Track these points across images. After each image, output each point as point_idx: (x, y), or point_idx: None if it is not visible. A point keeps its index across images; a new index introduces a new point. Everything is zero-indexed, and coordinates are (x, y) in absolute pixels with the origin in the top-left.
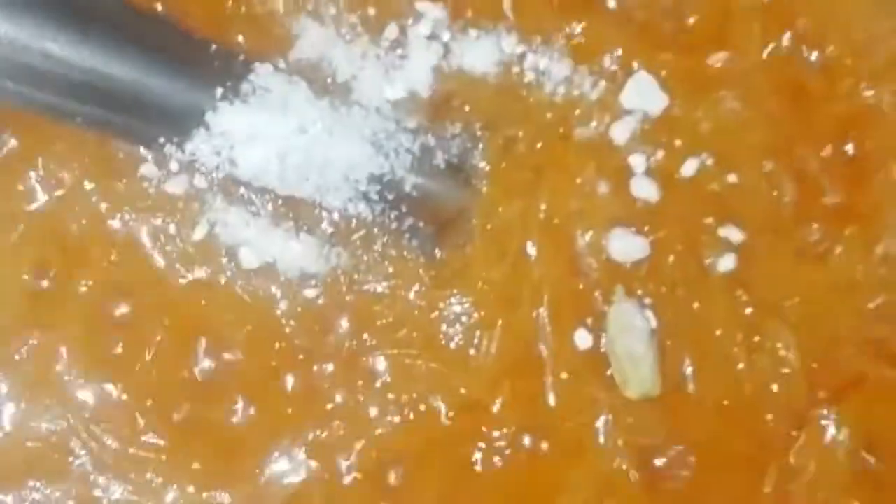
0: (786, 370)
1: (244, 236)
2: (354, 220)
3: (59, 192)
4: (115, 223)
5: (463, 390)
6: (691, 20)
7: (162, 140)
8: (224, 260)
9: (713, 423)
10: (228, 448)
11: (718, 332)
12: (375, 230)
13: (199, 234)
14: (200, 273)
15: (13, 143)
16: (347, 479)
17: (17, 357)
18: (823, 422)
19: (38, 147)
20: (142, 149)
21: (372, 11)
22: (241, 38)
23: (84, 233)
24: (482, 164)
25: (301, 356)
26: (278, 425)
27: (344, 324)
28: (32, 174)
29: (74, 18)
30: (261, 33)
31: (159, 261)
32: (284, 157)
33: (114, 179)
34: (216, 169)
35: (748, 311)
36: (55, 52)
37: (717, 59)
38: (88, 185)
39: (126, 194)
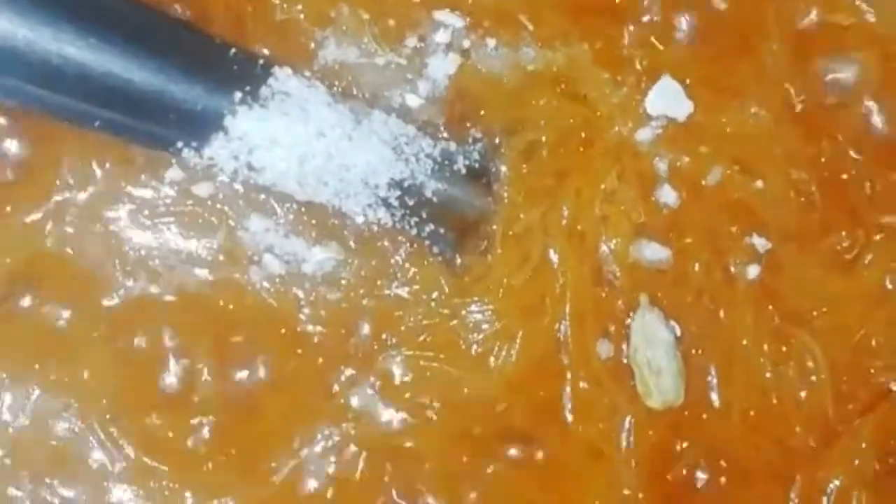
0: (813, 381)
1: (267, 241)
2: (375, 226)
3: (81, 196)
4: (136, 228)
5: (480, 396)
6: (716, 27)
7: (180, 145)
8: (247, 264)
9: (738, 435)
10: (242, 451)
11: (744, 342)
12: (396, 237)
13: (221, 239)
14: (224, 277)
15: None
16: (359, 481)
17: (36, 365)
18: (852, 435)
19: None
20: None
21: (392, 22)
22: (264, 49)
23: (105, 237)
24: (503, 170)
25: (321, 359)
26: (293, 428)
27: (365, 328)
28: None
29: (92, 21)
30: (283, 42)
31: (181, 265)
32: (303, 161)
33: (136, 185)
34: (234, 174)
35: (775, 320)
36: (73, 55)
37: (743, 66)
38: (109, 190)
39: (148, 199)
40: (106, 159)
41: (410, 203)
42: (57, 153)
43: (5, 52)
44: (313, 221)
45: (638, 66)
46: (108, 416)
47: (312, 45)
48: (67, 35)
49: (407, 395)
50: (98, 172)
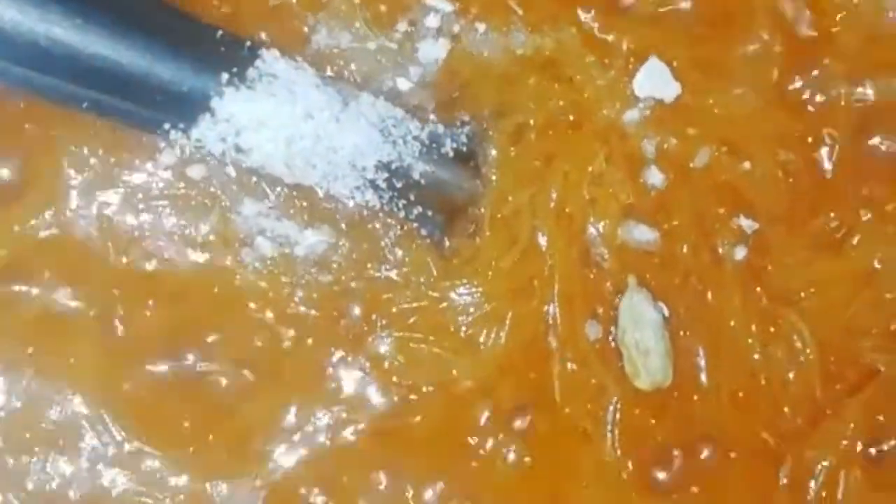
0: (802, 362)
1: (259, 224)
2: (365, 210)
3: (75, 181)
4: (128, 212)
5: (468, 377)
6: (703, 8)
7: (167, 126)
8: (239, 247)
9: (727, 415)
10: (235, 433)
11: (732, 323)
12: (386, 220)
13: (214, 221)
14: (216, 260)
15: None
16: (350, 463)
17: (30, 349)
18: (840, 415)
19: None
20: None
21: (383, 7)
22: (260, 34)
23: (98, 221)
24: (492, 153)
25: (310, 340)
26: (285, 410)
27: (355, 310)
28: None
29: (80, 2)
30: (277, 26)
31: (174, 248)
32: (291, 143)
33: (126, 167)
34: (222, 156)
35: (763, 301)
36: (59, 35)
37: (730, 47)
38: (103, 174)
39: (141, 183)
40: (99, 144)
41: (398, 185)
42: (49, 139)
43: None
44: (304, 204)
45: (625, 48)
46: (100, 400)
47: (305, 29)
48: (55, 16)
49: (396, 378)
50: (91, 158)
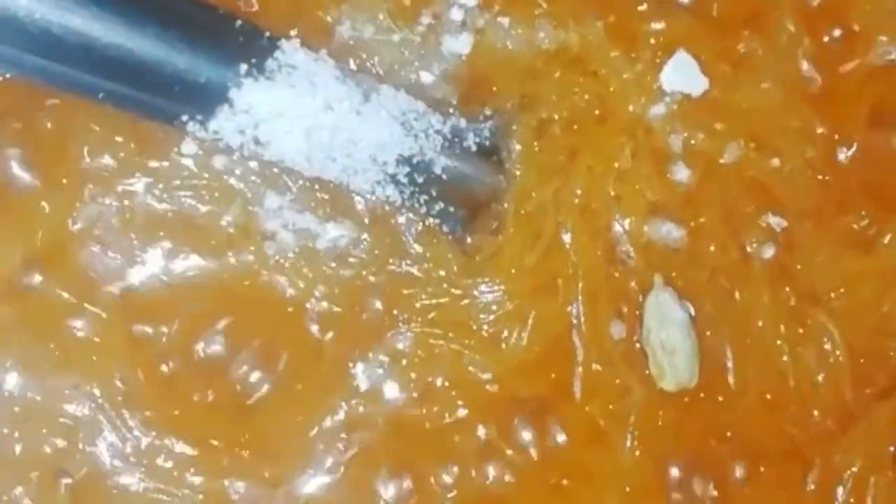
0: (831, 363)
1: (282, 217)
2: (386, 205)
3: (96, 171)
4: (152, 203)
5: (488, 376)
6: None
7: (185, 118)
8: (261, 240)
9: (754, 418)
10: (254, 430)
11: (760, 323)
12: (406, 214)
13: (236, 213)
14: (237, 252)
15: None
16: (367, 458)
17: (52, 343)
18: (870, 419)
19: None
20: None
21: (407, 1)
22: (284, 26)
23: (118, 213)
24: (515, 147)
25: (330, 334)
26: (302, 405)
27: (376, 305)
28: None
29: None
30: (300, 18)
31: (195, 239)
32: (310, 135)
33: (149, 158)
34: (241, 148)
35: (791, 301)
36: (75, 24)
37: (757, 40)
38: (124, 165)
39: (162, 174)
40: (120, 132)
41: (420, 180)
42: (70, 129)
43: (6, 22)
44: (326, 197)
45: (652, 42)
46: (119, 398)
47: (329, 20)
48: (69, 3)
49: (414, 375)
50: (113, 147)
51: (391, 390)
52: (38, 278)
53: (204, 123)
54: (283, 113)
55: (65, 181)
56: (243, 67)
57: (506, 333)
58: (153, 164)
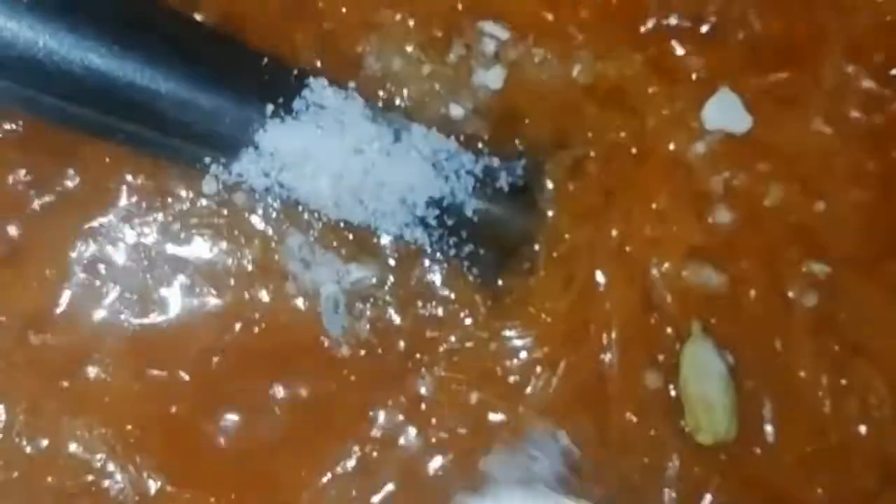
0: (875, 417)
1: (303, 255)
2: (413, 246)
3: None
4: (169, 240)
5: (513, 424)
6: (777, 38)
7: (208, 160)
8: (281, 279)
9: (794, 473)
10: (267, 474)
11: (802, 374)
12: (435, 255)
13: (256, 252)
14: (257, 292)
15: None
16: None
17: (65, 383)
18: None
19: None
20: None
21: (438, 32)
22: (311, 58)
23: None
24: (549, 187)
25: (353, 377)
26: (321, 450)
27: (400, 347)
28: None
29: (117, 29)
30: (326, 50)
31: (214, 278)
32: (338, 179)
33: (168, 195)
34: (266, 191)
35: (834, 351)
36: (96, 64)
37: (804, 78)
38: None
39: (183, 209)
40: (141, 167)
41: (450, 223)
42: (88, 163)
43: (25, 62)
44: (350, 237)
45: (694, 77)
46: (131, 440)
47: (358, 51)
48: (91, 43)
49: (435, 420)
50: (133, 181)
51: (411, 436)
52: (50, 318)
53: (227, 166)
54: (311, 156)
55: (83, 216)
56: (269, 108)
57: (534, 380)
58: (172, 198)
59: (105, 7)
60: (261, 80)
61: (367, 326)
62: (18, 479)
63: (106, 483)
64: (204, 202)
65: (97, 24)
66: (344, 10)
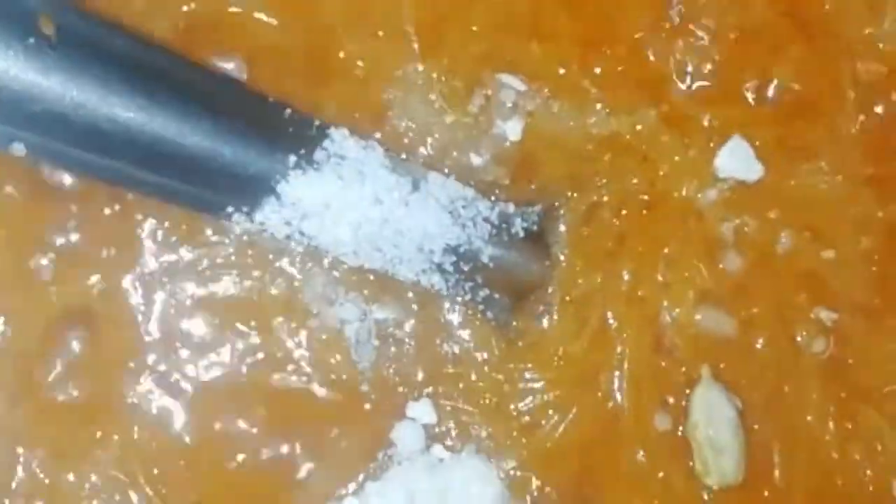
0: (881, 462)
1: (324, 295)
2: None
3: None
4: (192, 280)
5: (523, 464)
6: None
7: (230, 209)
8: (305, 318)
9: None
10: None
11: (809, 419)
12: (454, 297)
13: (279, 290)
14: (279, 332)
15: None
16: None
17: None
18: None
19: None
20: None
21: (459, 84)
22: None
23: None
24: (563, 232)
25: (368, 405)
26: (339, 474)
27: (417, 381)
28: None
29: (142, 82)
30: (353, 100)
31: (236, 320)
32: (358, 228)
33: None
34: (287, 239)
35: (842, 396)
36: (122, 118)
37: (815, 127)
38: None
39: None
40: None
41: (466, 268)
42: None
43: (53, 116)
44: (371, 278)
45: (706, 124)
46: (158, 486)
47: (382, 101)
48: (116, 98)
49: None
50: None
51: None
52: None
53: (249, 214)
54: (331, 206)
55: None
56: (292, 159)
57: (543, 422)
58: (197, 239)
59: (132, 61)
60: (284, 132)
61: (389, 363)
62: None
63: None
64: (230, 240)
65: (124, 78)
66: (369, 62)
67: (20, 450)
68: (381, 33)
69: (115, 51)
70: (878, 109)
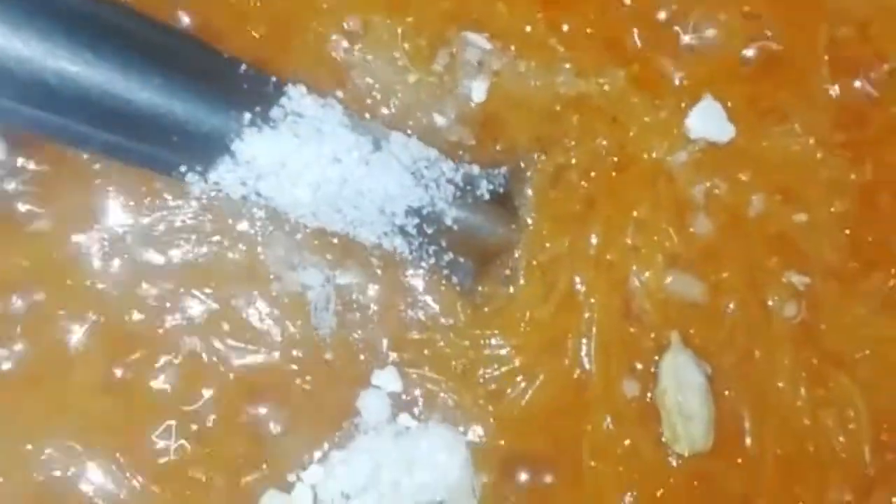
0: (852, 429)
1: (289, 259)
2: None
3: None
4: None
5: (491, 430)
6: (760, 49)
7: (184, 168)
8: (269, 281)
9: (771, 483)
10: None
11: (780, 384)
12: (417, 262)
13: (241, 256)
14: (242, 294)
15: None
16: None
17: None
18: (890, 486)
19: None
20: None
21: (423, 42)
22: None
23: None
24: (529, 195)
25: (332, 373)
26: (306, 442)
27: (381, 346)
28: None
29: (91, 37)
30: (315, 59)
31: (199, 283)
32: (316, 189)
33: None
34: (243, 200)
35: (813, 362)
36: (70, 73)
37: (788, 88)
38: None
39: (166, 213)
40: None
41: (429, 231)
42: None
43: None
44: (335, 241)
45: (677, 84)
46: (116, 453)
47: (343, 60)
48: (64, 51)
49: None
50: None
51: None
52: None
53: (204, 174)
54: (288, 165)
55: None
56: (247, 116)
57: (510, 390)
58: (155, 201)
59: (78, 14)
60: (238, 89)
61: (353, 330)
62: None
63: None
64: (190, 204)
65: (70, 31)
66: (331, 17)
67: None
68: None
69: (61, 2)
70: (851, 72)
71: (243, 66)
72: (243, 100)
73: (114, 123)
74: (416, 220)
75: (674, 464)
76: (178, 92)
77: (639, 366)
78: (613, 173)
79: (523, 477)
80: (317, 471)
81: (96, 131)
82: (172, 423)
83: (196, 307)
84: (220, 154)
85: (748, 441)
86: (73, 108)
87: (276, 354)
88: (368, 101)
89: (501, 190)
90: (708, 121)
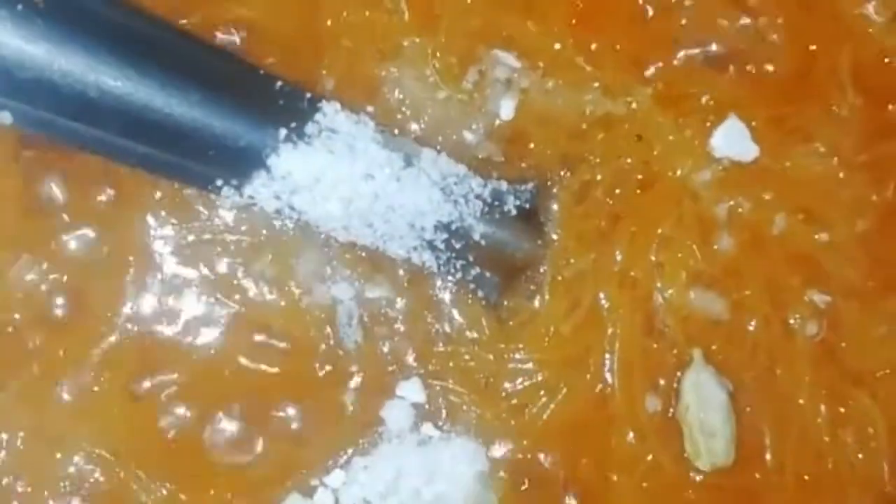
0: (872, 447)
1: (318, 272)
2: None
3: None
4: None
5: (513, 443)
6: (784, 69)
7: (220, 182)
8: (299, 294)
9: (791, 499)
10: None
11: (801, 402)
12: (441, 279)
13: (272, 268)
14: (271, 305)
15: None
16: None
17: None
18: None
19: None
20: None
21: (454, 59)
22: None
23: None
24: (555, 211)
25: (358, 384)
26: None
27: (408, 359)
28: None
29: (131, 50)
30: (345, 74)
31: (228, 293)
32: (348, 203)
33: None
34: (277, 213)
35: (834, 380)
36: (110, 87)
37: (812, 108)
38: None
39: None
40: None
41: (457, 246)
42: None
43: (41, 84)
44: (363, 255)
45: (703, 103)
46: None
47: (376, 76)
48: (105, 66)
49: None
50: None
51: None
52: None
53: (239, 188)
54: (322, 180)
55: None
56: (283, 132)
57: (532, 404)
58: (190, 212)
59: (121, 31)
60: (274, 105)
61: (380, 342)
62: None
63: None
64: (223, 215)
65: (113, 47)
66: (363, 36)
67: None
68: (375, 7)
69: (104, 18)
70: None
71: (279, 83)
72: (279, 116)
73: (152, 137)
74: (445, 235)
75: (696, 479)
76: (217, 108)
77: (661, 382)
78: (638, 191)
79: (544, 491)
80: (339, 476)
81: (134, 144)
82: (200, 427)
83: (226, 316)
84: (256, 168)
85: (769, 457)
86: (112, 121)
87: (304, 364)
88: (399, 116)
89: (528, 206)
90: (732, 140)
